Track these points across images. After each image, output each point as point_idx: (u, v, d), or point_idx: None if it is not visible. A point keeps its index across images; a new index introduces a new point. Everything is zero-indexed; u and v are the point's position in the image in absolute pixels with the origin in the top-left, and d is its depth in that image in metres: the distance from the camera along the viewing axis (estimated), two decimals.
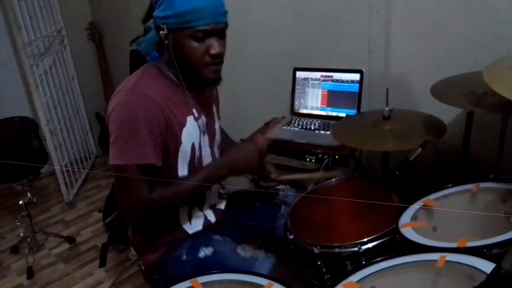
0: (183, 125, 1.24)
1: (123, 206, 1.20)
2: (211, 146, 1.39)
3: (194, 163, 1.31)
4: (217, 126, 1.44)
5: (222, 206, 1.48)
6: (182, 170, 1.28)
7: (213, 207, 1.44)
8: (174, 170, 1.27)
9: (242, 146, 1.48)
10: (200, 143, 1.31)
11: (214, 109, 1.44)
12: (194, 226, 1.38)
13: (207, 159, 1.36)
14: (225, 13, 1.20)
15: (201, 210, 1.40)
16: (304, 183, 1.63)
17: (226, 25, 1.21)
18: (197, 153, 1.30)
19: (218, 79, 1.27)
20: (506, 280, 0.74)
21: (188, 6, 1.12)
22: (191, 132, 1.27)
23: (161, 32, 1.18)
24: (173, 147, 1.23)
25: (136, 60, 2.25)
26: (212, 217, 1.43)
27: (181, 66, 1.22)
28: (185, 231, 1.37)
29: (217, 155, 1.44)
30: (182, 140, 1.24)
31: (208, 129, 1.37)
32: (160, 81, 1.24)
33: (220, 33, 1.20)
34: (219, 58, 1.22)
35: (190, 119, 1.27)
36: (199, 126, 1.30)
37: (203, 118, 1.33)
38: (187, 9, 1.13)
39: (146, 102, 1.17)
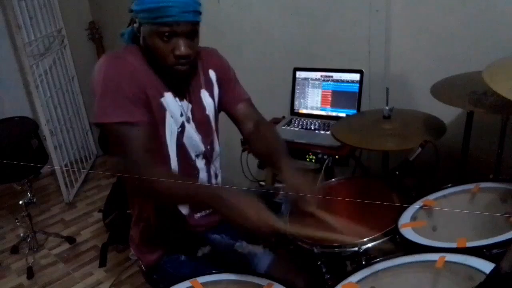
0: (162, 94, 1.24)
1: (123, 163, 1.14)
2: (203, 133, 1.35)
3: (176, 138, 1.28)
4: (209, 112, 1.37)
5: None
6: (170, 139, 1.27)
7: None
8: (163, 135, 1.26)
9: (256, 213, 1.09)
10: (183, 123, 1.29)
11: (204, 94, 1.36)
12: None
13: (193, 145, 1.33)
14: (196, 12, 1.17)
15: None
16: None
17: (195, 25, 1.18)
18: (177, 130, 1.28)
19: (186, 73, 1.25)
20: (505, 280, 0.74)
21: (156, 2, 1.12)
22: (170, 105, 1.25)
23: (134, 25, 1.21)
24: (159, 114, 1.23)
25: None
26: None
27: (153, 58, 1.22)
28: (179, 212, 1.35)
29: (214, 144, 1.40)
30: (166, 108, 1.24)
31: (194, 116, 1.33)
32: (140, 57, 1.24)
33: (189, 33, 1.17)
34: (185, 59, 1.19)
35: (168, 94, 1.26)
36: (181, 107, 1.28)
37: (187, 104, 1.31)
38: (155, 5, 1.12)
39: (128, 65, 1.19)
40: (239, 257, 1.27)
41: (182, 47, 1.17)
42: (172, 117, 1.26)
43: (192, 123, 1.33)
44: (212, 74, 1.40)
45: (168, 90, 1.26)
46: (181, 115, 1.29)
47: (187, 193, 1.14)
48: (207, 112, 1.37)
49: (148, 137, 1.16)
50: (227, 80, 1.43)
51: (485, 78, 1.20)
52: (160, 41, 1.16)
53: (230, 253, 1.30)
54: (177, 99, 1.28)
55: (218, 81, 1.41)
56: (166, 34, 1.15)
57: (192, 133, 1.32)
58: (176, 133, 1.28)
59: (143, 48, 1.23)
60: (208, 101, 1.37)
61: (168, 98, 1.25)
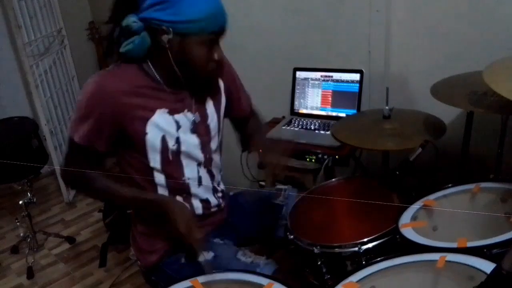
0: (149, 116, 1.24)
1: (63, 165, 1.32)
2: (203, 143, 1.35)
3: (168, 156, 1.29)
4: (210, 122, 1.38)
5: (215, 201, 1.44)
6: (154, 161, 1.28)
7: (203, 202, 1.40)
8: (145, 159, 1.27)
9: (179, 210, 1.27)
10: (178, 138, 1.29)
11: (209, 104, 1.38)
12: None
13: (192, 156, 1.33)
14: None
15: (187, 201, 1.37)
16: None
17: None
18: (172, 147, 1.28)
19: (213, 79, 1.35)
20: (506, 280, 0.74)
21: (203, 12, 1.13)
22: (160, 124, 1.25)
23: (165, 35, 1.16)
24: (137, 137, 1.24)
25: None
26: (199, 210, 1.39)
27: (181, 68, 1.22)
28: None
29: (213, 152, 1.40)
30: (147, 131, 1.24)
31: (198, 127, 1.33)
32: (132, 74, 1.23)
33: (221, 38, 1.23)
34: (220, 63, 1.26)
35: (160, 112, 1.25)
36: (176, 122, 1.28)
37: (189, 115, 1.31)
38: (203, 15, 1.13)
39: (112, 92, 1.20)
40: (241, 266, 1.26)
41: (220, 51, 1.23)
42: (164, 136, 1.26)
43: (195, 134, 1.33)
44: (220, 83, 1.41)
45: (162, 107, 1.25)
46: (178, 128, 1.29)
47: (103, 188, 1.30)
48: (208, 122, 1.37)
49: (89, 163, 1.27)
50: (235, 92, 1.47)
51: (485, 78, 1.20)
52: (204, 49, 1.19)
53: (233, 261, 1.29)
54: (176, 111, 1.28)
55: (226, 91, 1.43)
56: (211, 41, 1.19)
57: (191, 143, 1.32)
58: (159, 151, 1.27)
59: (170, 59, 1.20)
60: (211, 111, 1.37)
61: (159, 117, 1.25)
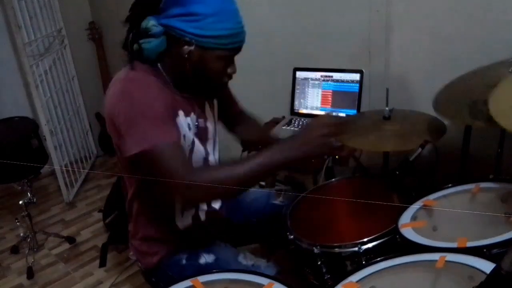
0: (177, 114, 1.23)
1: (174, 188, 1.11)
2: (204, 147, 1.36)
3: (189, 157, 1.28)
4: (209, 125, 1.38)
5: (216, 205, 1.45)
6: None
7: (208, 204, 1.41)
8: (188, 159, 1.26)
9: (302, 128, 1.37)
10: (193, 140, 1.29)
11: (207, 109, 1.40)
12: (185, 218, 1.36)
13: (199, 155, 1.33)
14: None
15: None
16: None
17: None
18: (187, 147, 1.28)
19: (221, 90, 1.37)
20: (506, 280, 0.74)
21: (228, 30, 1.17)
22: (182, 124, 1.24)
23: (186, 46, 1.15)
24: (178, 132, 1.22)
25: None
26: (202, 215, 1.40)
27: (194, 77, 1.22)
28: (176, 225, 1.35)
29: (212, 157, 1.39)
30: (180, 127, 1.23)
31: (200, 130, 1.34)
32: (151, 75, 1.21)
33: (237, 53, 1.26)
34: (232, 77, 1.29)
35: (180, 113, 1.25)
36: (188, 124, 1.28)
37: (194, 117, 1.31)
38: (227, 33, 1.17)
39: (152, 84, 1.16)
40: (242, 269, 1.27)
41: (235, 67, 1.27)
42: (184, 135, 1.25)
43: (196, 136, 1.32)
44: None
45: (182, 106, 1.26)
46: (189, 129, 1.28)
47: (239, 175, 1.13)
48: (207, 124, 1.37)
49: (183, 152, 1.19)
50: (225, 90, 1.48)
51: (491, 108, 1.15)
52: (222, 63, 1.21)
53: (233, 264, 1.30)
54: (186, 115, 1.28)
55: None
56: (230, 56, 1.23)
57: (198, 145, 1.32)
58: (187, 151, 1.27)
59: (186, 68, 1.20)
60: (208, 114, 1.39)
61: (181, 117, 1.25)
